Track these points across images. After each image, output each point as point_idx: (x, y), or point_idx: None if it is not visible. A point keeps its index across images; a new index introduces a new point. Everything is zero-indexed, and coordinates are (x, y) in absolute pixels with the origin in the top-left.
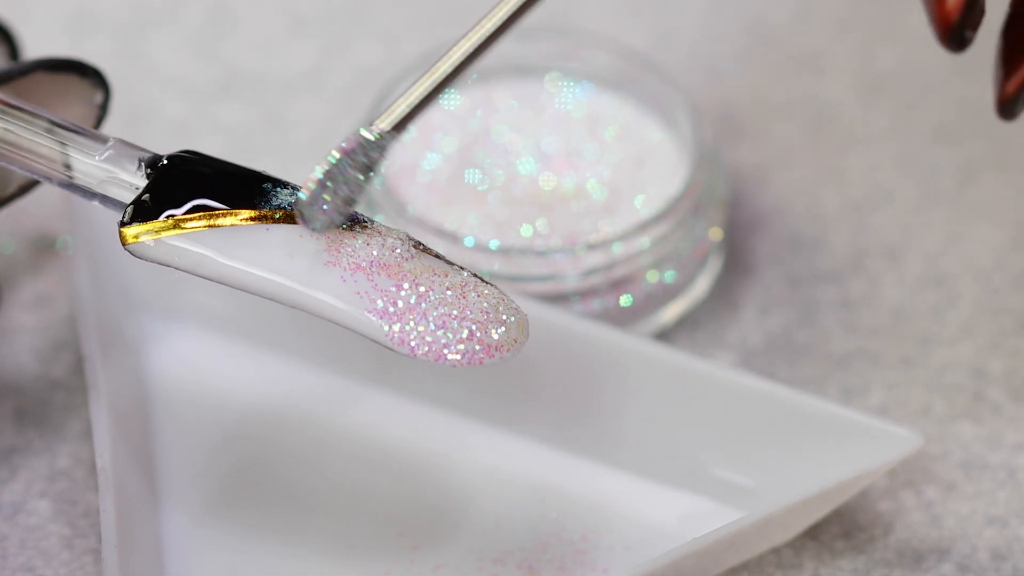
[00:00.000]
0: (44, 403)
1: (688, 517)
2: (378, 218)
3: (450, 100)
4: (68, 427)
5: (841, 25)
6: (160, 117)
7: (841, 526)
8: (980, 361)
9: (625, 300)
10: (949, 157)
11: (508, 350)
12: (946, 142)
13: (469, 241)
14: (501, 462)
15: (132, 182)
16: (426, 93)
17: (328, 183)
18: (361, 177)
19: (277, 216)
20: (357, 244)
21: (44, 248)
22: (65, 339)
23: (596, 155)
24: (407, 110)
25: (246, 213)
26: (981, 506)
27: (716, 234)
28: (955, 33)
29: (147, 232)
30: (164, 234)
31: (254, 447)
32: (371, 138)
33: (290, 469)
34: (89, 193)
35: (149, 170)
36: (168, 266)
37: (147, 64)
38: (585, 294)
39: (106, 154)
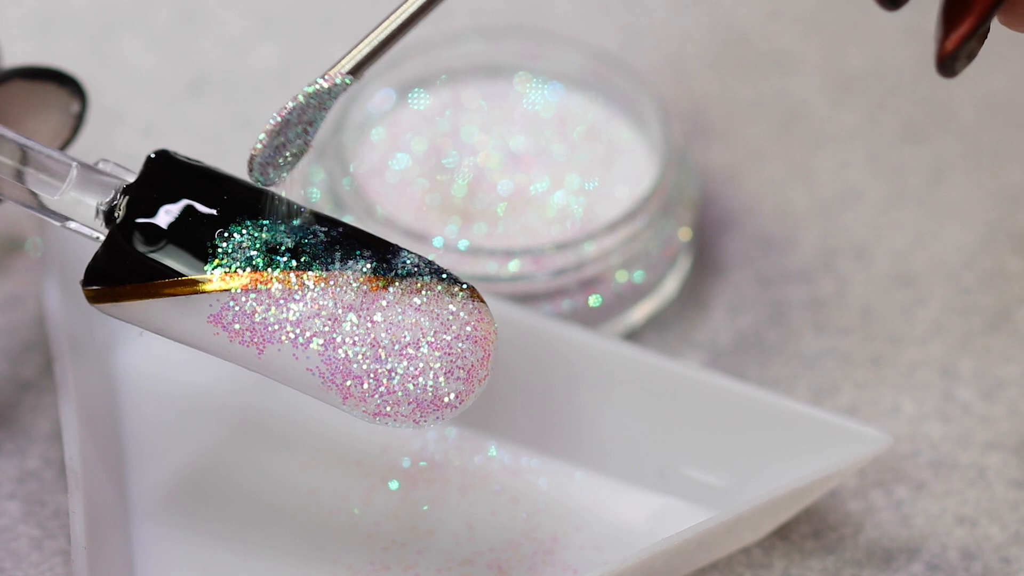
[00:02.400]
0: (13, 404)
1: (658, 517)
2: (347, 218)
3: (419, 100)
4: (38, 428)
5: (810, 24)
6: (129, 117)
7: (811, 526)
8: (949, 360)
9: (594, 300)
10: (918, 156)
11: (466, 397)
12: (915, 141)
13: (438, 241)
14: (471, 462)
15: (92, 233)
16: (383, 37)
17: (287, 132)
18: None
19: (233, 281)
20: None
21: (13, 249)
22: (35, 340)
23: (565, 155)
24: (367, 53)
25: (203, 280)
26: (951, 505)
27: (685, 234)
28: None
29: (105, 296)
30: (123, 301)
31: (224, 448)
32: (336, 82)
33: (260, 470)
34: (61, 223)
35: (116, 202)
36: (134, 325)
37: (116, 65)
38: (554, 294)
39: (68, 187)
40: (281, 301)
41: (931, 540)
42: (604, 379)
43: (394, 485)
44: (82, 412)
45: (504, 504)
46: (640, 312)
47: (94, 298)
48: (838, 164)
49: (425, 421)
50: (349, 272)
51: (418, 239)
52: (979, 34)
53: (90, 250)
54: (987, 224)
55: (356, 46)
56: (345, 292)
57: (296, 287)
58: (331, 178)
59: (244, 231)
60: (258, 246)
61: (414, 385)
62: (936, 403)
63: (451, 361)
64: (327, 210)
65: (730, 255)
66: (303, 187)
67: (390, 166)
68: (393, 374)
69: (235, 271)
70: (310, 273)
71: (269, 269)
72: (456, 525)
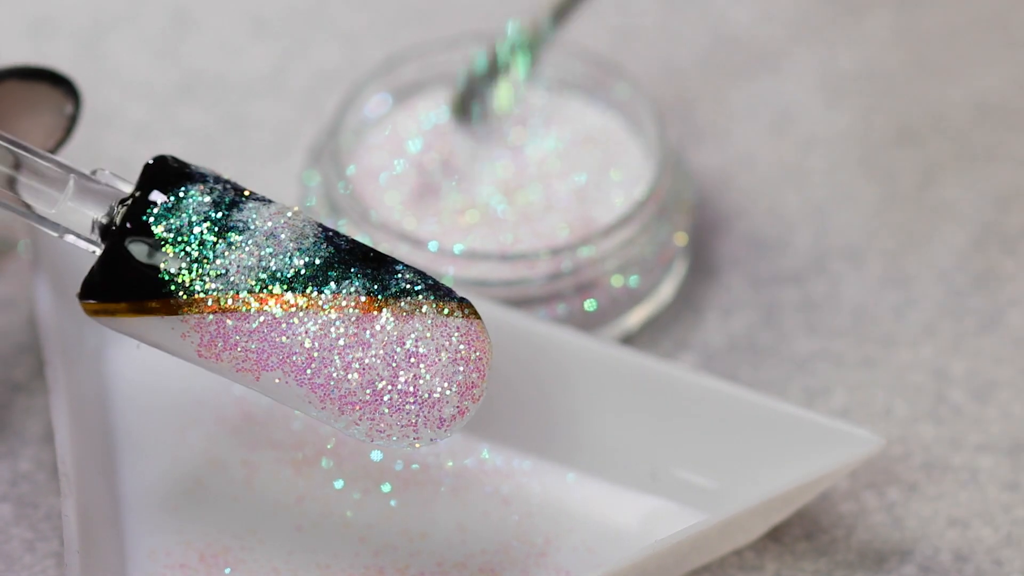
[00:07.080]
0: (6, 406)
1: (651, 519)
2: (341, 223)
3: (415, 104)
4: (30, 430)
5: (802, 26)
6: (121, 119)
7: (803, 528)
8: (942, 362)
9: (590, 304)
10: (910, 158)
11: (461, 417)
12: (907, 143)
13: (433, 246)
14: (463, 465)
15: (88, 247)
16: None
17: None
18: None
19: (227, 304)
20: (300, 331)
21: (5, 251)
22: (26, 342)
23: (561, 159)
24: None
25: (196, 303)
26: (943, 507)
27: (681, 239)
28: None
29: (101, 311)
30: (119, 316)
31: (216, 451)
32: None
33: (251, 473)
34: (59, 234)
35: (112, 215)
36: (133, 338)
37: (108, 67)
38: (550, 298)
39: (64, 200)
40: (276, 325)
41: (923, 542)
42: (596, 381)
43: (387, 488)
44: (74, 414)
45: (496, 506)
46: (636, 316)
47: (92, 312)
48: (830, 166)
49: (419, 441)
50: (343, 294)
51: (413, 243)
52: None
53: (81, 254)
54: (979, 225)
55: None
56: (339, 316)
57: (291, 310)
58: (327, 182)
59: (240, 252)
60: (253, 267)
61: (408, 406)
62: (928, 405)
63: (446, 382)
64: (322, 214)
65: (723, 257)
66: None
67: (386, 170)
68: (388, 396)
69: (229, 294)
70: (304, 297)
71: (263, 292)
72: (448, 528)
